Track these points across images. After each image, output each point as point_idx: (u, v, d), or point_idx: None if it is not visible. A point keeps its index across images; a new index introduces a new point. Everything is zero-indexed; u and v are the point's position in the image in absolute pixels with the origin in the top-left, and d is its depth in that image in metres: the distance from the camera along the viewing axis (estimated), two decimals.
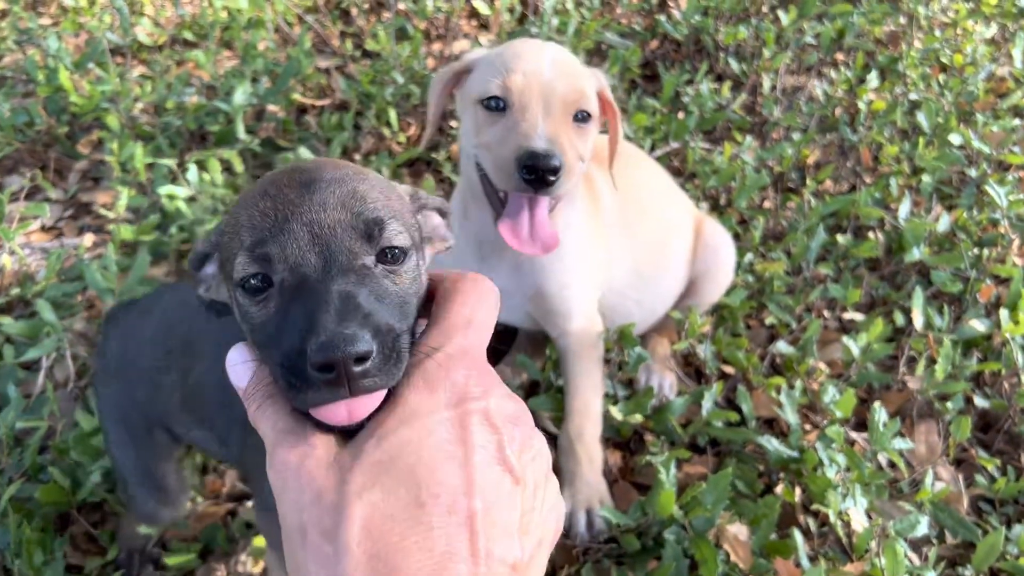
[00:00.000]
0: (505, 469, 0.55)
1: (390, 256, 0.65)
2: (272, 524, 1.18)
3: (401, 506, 0.52)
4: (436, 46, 2.66)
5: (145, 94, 2.22)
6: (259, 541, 1.42)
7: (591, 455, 1.51)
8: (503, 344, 1.79)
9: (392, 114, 2.22)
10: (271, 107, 2.30)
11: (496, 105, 1.32)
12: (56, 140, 2.24)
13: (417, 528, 0.51)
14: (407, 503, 0.52)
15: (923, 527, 1.32)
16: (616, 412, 1.59)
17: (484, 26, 2.76)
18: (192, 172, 1.92)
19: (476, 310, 0.63)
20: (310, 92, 2.41)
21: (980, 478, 1.51)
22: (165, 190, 1.89)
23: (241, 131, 2.14)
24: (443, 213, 0.78)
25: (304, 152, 1.99)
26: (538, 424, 1.62)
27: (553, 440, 1.58)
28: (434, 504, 0.52)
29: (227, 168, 2.09)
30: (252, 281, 0.63)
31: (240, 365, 0.65)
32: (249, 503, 1.51)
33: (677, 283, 1.70)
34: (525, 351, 1.75)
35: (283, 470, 0.56)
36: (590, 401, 1.54)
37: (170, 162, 1.97)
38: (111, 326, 1.30)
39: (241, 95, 2.17)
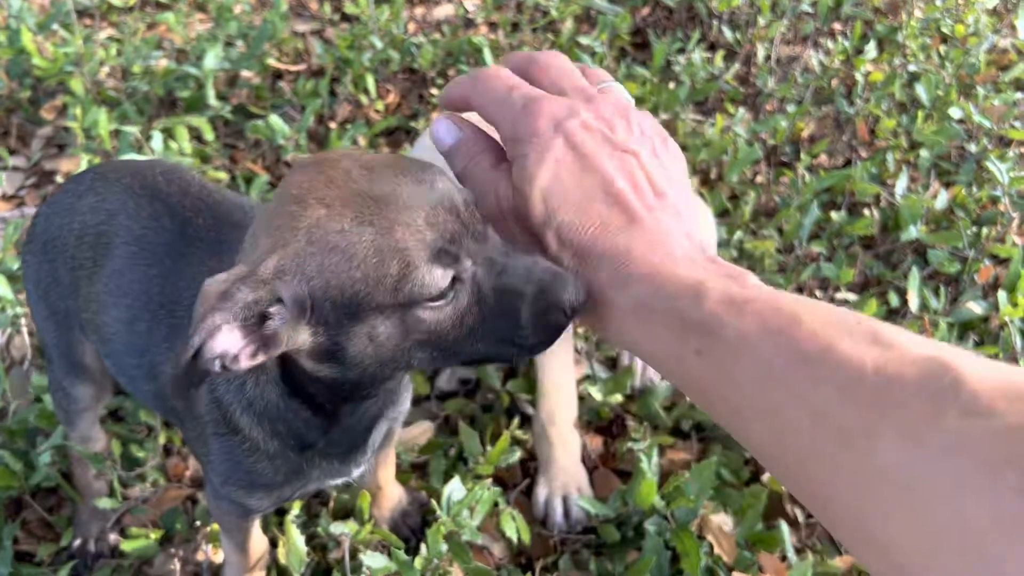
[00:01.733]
0: (615, 150, 0.66)
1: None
2: (214, 508, 1.12)
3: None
4: (419, 10, 2.56)
5: (110, 57, 2.12)
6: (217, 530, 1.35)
7: (565, 439, 1.45)
8: None
9: (370, 80, 2.13)
10: (245, 72, 2.21)
11: None
12: (18, 105, 2.14)
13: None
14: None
15: None
16: (595, 392, 1.52)
17: None
18: (157, 140, 1.83)
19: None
20: (286, 57, 2.32)
21: None
22: (130, 159, 1.80)
23: (212, 97, 2.04)
24: None
25: (275, 120, 1.90)
26: (518, 409, 1.56)
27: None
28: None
29: (197, 136, 2.00)
30: (444, 289, 0.65)
31: (445, 123, 0.72)
32: None
33: None
34: None
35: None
36: (561, 382, 1.47)
37: (135, 129, 1.88)
38: (56, 194, 1.17)
39: (212, 59, 2.07)
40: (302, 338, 0.67)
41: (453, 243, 0.65)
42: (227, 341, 0.63)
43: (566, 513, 1.40)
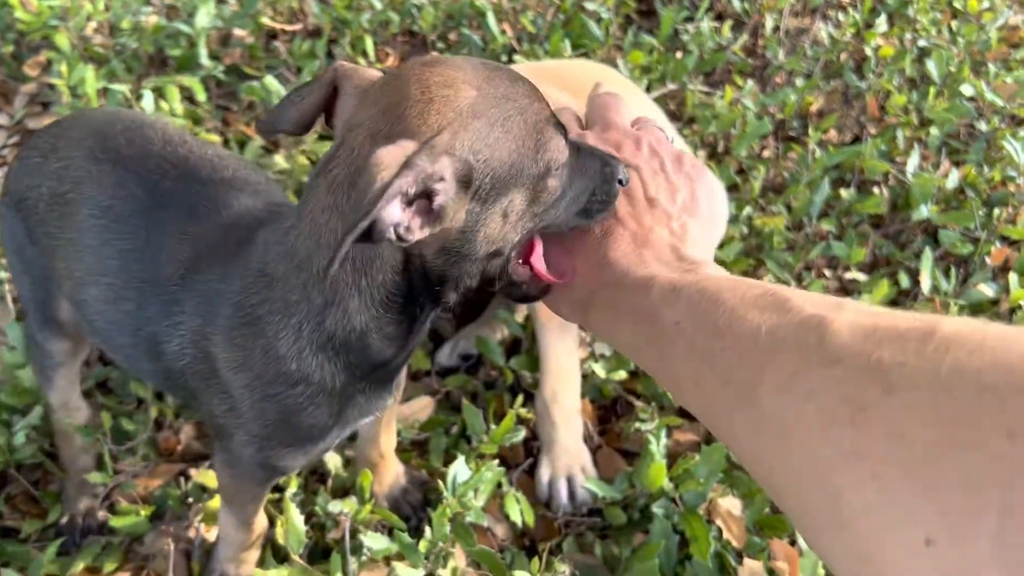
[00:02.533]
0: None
1: None
2: (231, 479, 1.06)
3: None
4: None
5: (98, 12, 2.03)
6: (214, 505, 1.30)
7: (568, 419, 1.41)
8: (483, 298, 1.67)
9: (368, 42, 2.05)
10: (238, 31, 2.13)
11: None
12: (1, 61, 2.05)
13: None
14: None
15: None
16: (599, 369, 1.49)
17: None
18: (148, 99, 1.75)
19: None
20: (280, 16, 2.23)
21: None
22: (91, 109, 1.73)
23: (204, 56, 1.97)
24: None
25: (271, 81, 1.83)
26: (521, 386, 1.52)
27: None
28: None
29: (188, 96, 1.93)
30: (569, 150, 0.74)
31: None
32: (205, 463, 1.40)
33: None
34: (507, 305, 1.63)
35: None
36: (565, 360, 1.43)
37: (124, 87, 1.80)
38: (27, 144, 1.11)
39: (204, 17, 1.99)
40: (460, 215, 0.69)
41: (553, 120, 0.73)
42: (396, 212, 0.63)
43: (571, 495, 1.36)
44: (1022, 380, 0.41)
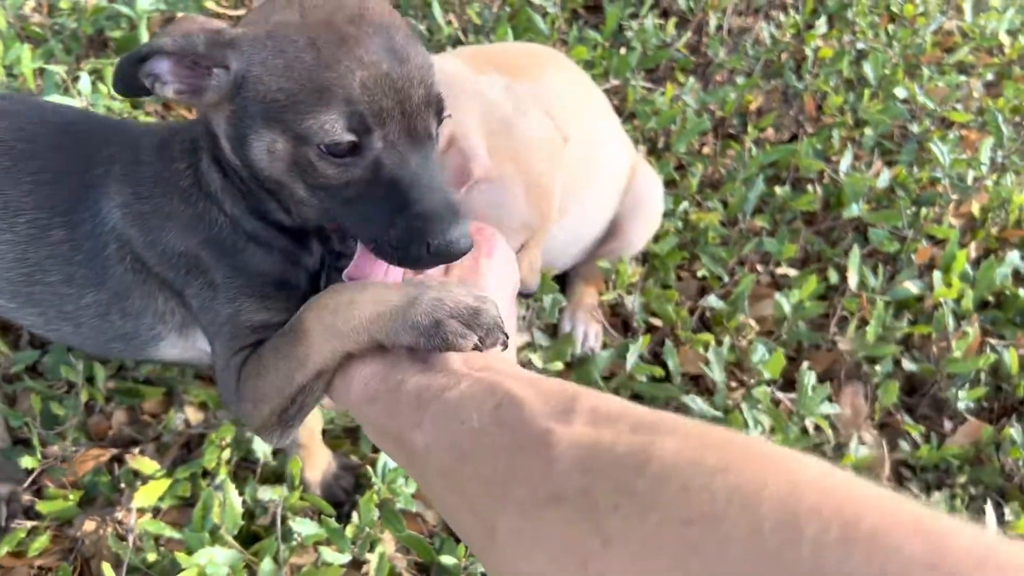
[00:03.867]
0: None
1: (440, 122, 0.76)
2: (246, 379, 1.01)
3: None
4: None
5: None
6: (147, 491, 1.29)
7: None
8: None
9: None
10: (180, 15, 2.10)
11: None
12: None
13: None
14: None
15: None
16: (536, 359, 1.51)
17: None
18: (85, 81, 1.73)
19: None
20: (225, 1, 2.22)
21: (903, 444, 1.48)
22: (55, 100, 1.70)
23: (145, 38, 1.94)
24: None
25: None
26: None
27: None
28: None
29: None
30: (341, 146, 0.70)
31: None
32: (137, 449, 1.39)
33: (603, 208, 1.58)
34: None
35: None
36: None
37: (60, 68, 1.78)
38: None
39: None
40: (221, 111, 0.76)
41: (375, 116, 0.70)
42: (163, 67, 0.73)
43: None
44: (728, 532, 0.40)
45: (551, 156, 1.29)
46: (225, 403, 0.95)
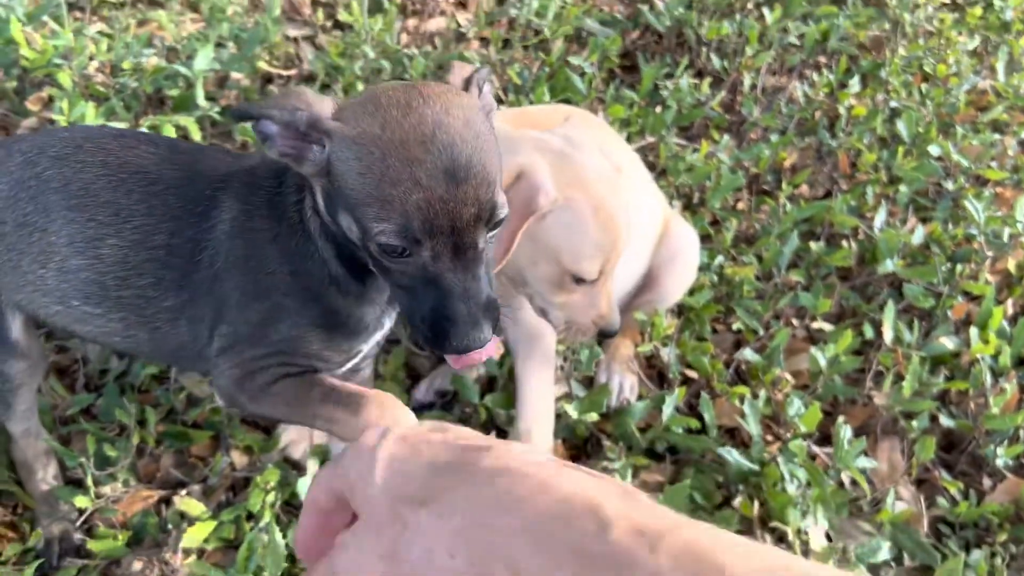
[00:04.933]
0: None
1: (493, 228, 0.86)
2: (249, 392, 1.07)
3: None
4: (411, 22, 2.57)
5: (100, 52, 2.11)
6: (194, 533, 1.33)
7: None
8: None
9: (360, 89, 2.13)
10: (235, 74, 2.20)
11: None
12: (4, 96, 2.12)
13: None
14: None
15: (884, 552, 1.28)
16: (571, 410, 1.53)
17: (462, 4, 2.68)
18: None
19: None
20: (277, 61, 2.32)
21: (942, 500, 1.48)
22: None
23: (201, 97, 2.04)
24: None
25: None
26: (496, 423, 1.56)
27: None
28: None
29: (184, 135, 1.99)
30: (395, 249, 0.83)
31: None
32: (184, 491, 1.44)
33: (637, 259, 1.62)
34: None
35: None
36: (540, 400, 1.48)
37: (121, 125, 1.87)
38: None
39: (203, 60, 2.07)
40: (320, 182, 0.88)
41: (426, 232, 0.81)
42: (273, 130, 0.85)
43: None
44: None
45: (610, 182, 1.36)
46: (219, 387, 1.08)
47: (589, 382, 1.64)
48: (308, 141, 0.84)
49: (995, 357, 1.64)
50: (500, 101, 2.17)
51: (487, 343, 0.85)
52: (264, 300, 1.02)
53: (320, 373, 1.06)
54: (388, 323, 1.11)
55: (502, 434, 1.52)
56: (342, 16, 2.37)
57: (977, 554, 1.39)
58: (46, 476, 1.40)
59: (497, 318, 0.87)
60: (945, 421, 1.58)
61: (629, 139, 2.09)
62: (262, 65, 2.25)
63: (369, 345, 1.12)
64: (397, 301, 0.93)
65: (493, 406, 1.56)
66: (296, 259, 1.00)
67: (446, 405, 1.61)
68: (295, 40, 2.41)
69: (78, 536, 1.39)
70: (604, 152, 1.41)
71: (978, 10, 2.68)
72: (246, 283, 1.03)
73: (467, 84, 0.91)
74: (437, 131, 0.80)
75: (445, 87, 0.88)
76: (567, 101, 2.17)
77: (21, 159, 1.10)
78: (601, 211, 1.32)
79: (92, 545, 1.34)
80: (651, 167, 2.08)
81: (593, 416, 1.53)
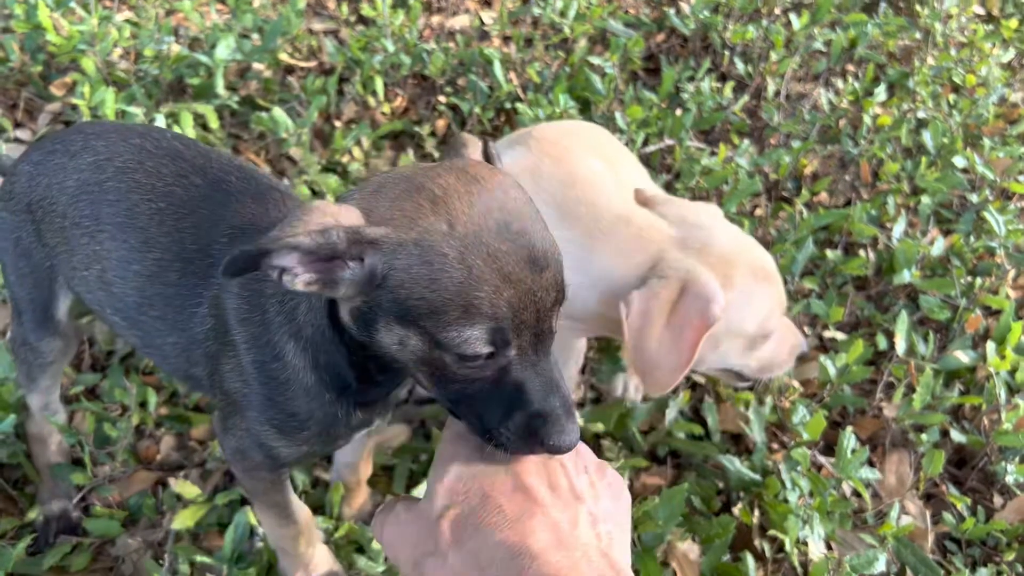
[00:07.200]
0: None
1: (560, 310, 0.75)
2: (243, 467, 1.07)
3: None
4: (436, 18, 2.57)
5: (124, 39, 2.13)
6: (186, 515, 1.33)
7: None
8: None
9: (379, 82, 2.13)
10: (256, 65, 2.22)
11: None
12: (29, 79, 2.15)
13: None
14: None
15: (880, 564, 1.25)
16: (579, 419, 1.51)
17: (487, 2, 2.67)
18: (160, 122, 1.83)
19: None
20: (298, 54, 2.33)
21: (948, 516, 1.44)
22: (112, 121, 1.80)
23: (221, 86, 2.05)
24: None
25: (279, 113, 1.90)
26: None
27: None
28: None
29: (202, 124, 2.01)
30: (479, 357, 0.70)
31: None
32: (182, 473, 1.44)
33: None
34: None
35: None
36: None
37: (139, 111, 1.89)
38: (35, 150, 1.18)
39: (224, 49, 2.08)
40: (357, 301, 0.73)
41: (515, 331, 0.70)
42: (292, 259, 0.69)
43: None
44: None
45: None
46: (236, 473, 1.08)
47: (592, 383, 1.63)
48: (340, 261, 0.70)
49: (1012, 373, 1.60)
50: (518, 99, 2.16)
51: (578, 438, 0.73)
52: (236, 381, 0.97)
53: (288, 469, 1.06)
54: (379, 422, 1.02)
55: None
56: (366, 11, 2.37)
57: (983, 573, 1.36)
58: (58, 451, 1.41)
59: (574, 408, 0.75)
60: (956, 436, 1.54)
61: (646, 141, 2.07)
62: (283, 56, 2.26)
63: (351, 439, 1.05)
64: (457, 412, 0.76)
65: None
66: (265, 352, 0.91)
67: None
68: (318, 33, 2.42)
69: (76, 515, 1.39)
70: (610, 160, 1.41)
71: (1014, 22, 2.63)
72: (221, 353, 0.98)
73: (488, 158, 0.81)
74: (509, 217, 0.70)
75: (484, 165, 0.76)
76: (586, 101, 2.16)
77: (91, 160, 1.10)
78: (759, 272, 1.31)
79: (88, 523, 1.34)
80: (667, 169, 2.06)
81: (599, 427, 1.51)
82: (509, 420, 0.71)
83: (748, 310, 1.29)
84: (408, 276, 0.68)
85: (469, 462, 0.71)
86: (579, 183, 1.36)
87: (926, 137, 2.11)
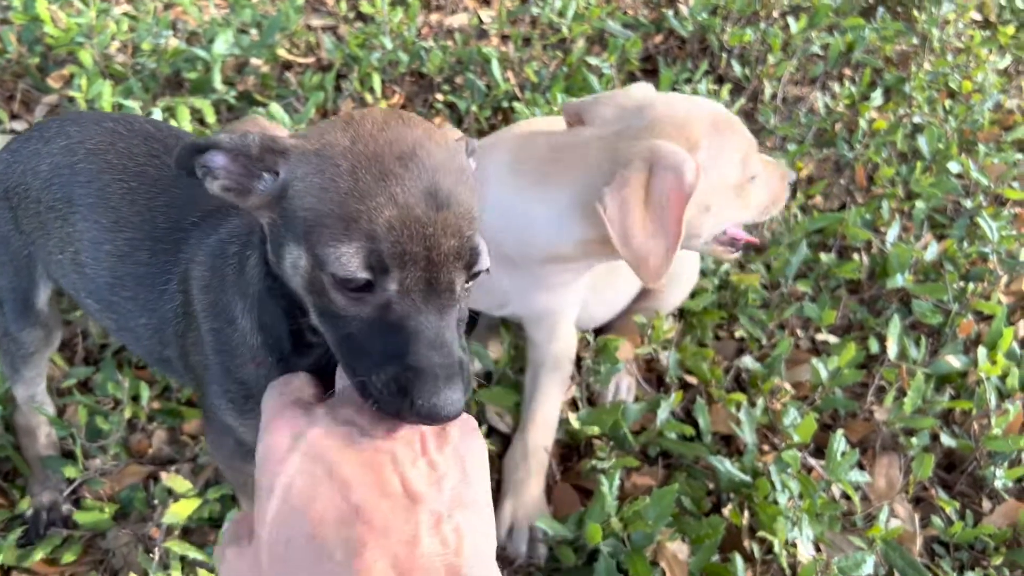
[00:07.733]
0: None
1: (471, 279, 0.69)
2: (223, 456, 1.08)
3: None
4: (434, 16, 2.57)
5: (122, 32, 2.13)
6: (177, 509, 1.33)
7: (542, 469, 1.46)
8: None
9: (376, 79, 2.13)
10: (254, 60, 2.22)
11: None
12: (26, 71, 2.15)
13: None
14: None
15: (868, 566, 1.26)
16: (574, 420, 1.52)
17: (486, 1, 2.68)
18: (157, 116, 1.83)
19: None
20: (296, 49, 2.33)
21: (937, 519, 1.45)
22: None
23: (218, 81, 2.05)
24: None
25: (276, 108, 1.91)
26: (485, 417, 1.55)
27: (502, 437, 1.52)
28: None
29: (199, 118, 2.01)
30: (354, 283, 0.65)
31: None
32: (173, 468, 1.44)
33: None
34: (482, 339, 1.68)
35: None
36: (551, 414, 1.49)
37: (135, 104, 1.89)
38: (14, 139, 1.18)
39: (222, 44, 2.08)
40: (265, 216, 0.73)
41: (394, 258, 0.64)
42: (218, 161, 0.72)
43: (530, 541, 1.39)
44: None
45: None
46: (218, 464, 1.08)
47: (587, 384, 1.63)
48: (258, 171, 0.71)
49: (1002, 378, 1.61)
50: (515, 98, 2.16)
51: (459, 410, 0.64)
52: (197, 354, 0.96)
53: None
54: None
55: (491, 431, 1.51)
56: (364, 8, 2.37)
57: None
58: (48, 443, 1.41)
59: (470, 387, 0.67)
60: (946, 440, 1.55)
61: None
62: (281, 52, 2.26)
63: None
64: (339, 357, 0.69)
65: (487, 401, 1.55)
66: (220, 318, 0.89)
67: None
68: (316, 30, 2.43)
69: (67, 507, 1.39)
70: None
71: (1011, 29, 2.64)
72: (187, 328, 0.98)
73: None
74: (418, 150, 0.67)
75: (423, 120, 0.74)
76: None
77: (64, 144, 1.11)
78: (718, 122, 1.30)
79: (78, 516, 1.34)
80: None
81: (594, 430, 1.51)
82: (381, 370, 0.64)
83: (723, 160, 1.28)
84: (303, 185, 0.68)
85: (296, 474, 0.59)
86: (531, 135, 1.39)
87: (921, 142, 2.12)
